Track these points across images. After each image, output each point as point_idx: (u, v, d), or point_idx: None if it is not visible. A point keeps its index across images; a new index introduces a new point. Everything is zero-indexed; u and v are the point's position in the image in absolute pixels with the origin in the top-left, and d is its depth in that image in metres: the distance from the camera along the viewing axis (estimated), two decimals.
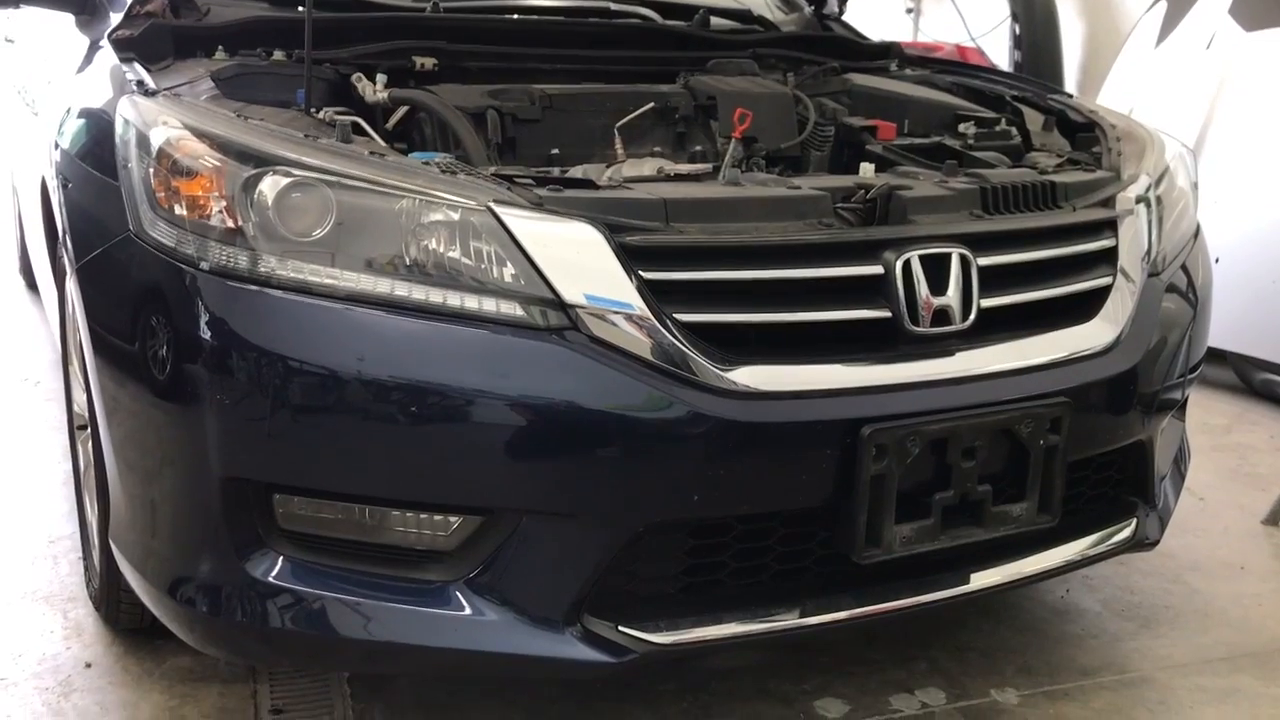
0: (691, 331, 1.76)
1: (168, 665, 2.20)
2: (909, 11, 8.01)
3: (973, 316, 1.94)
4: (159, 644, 2.22)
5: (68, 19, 2.73)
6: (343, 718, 2.07)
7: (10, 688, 2.14)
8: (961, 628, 2.42)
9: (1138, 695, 2.23)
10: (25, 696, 2.11)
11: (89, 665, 2.21)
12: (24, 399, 3.71)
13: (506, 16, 2.77)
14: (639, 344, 1.73)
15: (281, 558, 1.76)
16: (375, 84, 2.29)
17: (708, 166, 2.20)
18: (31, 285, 4.67)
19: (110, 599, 2.22)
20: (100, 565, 2.23)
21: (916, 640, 2.36)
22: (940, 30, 7.34)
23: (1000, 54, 6.69)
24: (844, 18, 3.33)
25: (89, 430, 2.17)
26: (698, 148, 2.43)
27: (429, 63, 2.44)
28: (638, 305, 1.73)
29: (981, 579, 2.02)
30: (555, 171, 2.11)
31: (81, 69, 2.43)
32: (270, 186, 1.71)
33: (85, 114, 2.21)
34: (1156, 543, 2.27)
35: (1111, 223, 2.17)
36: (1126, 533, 2.20)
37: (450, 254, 1.72)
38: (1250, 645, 2.44)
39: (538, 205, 1.76)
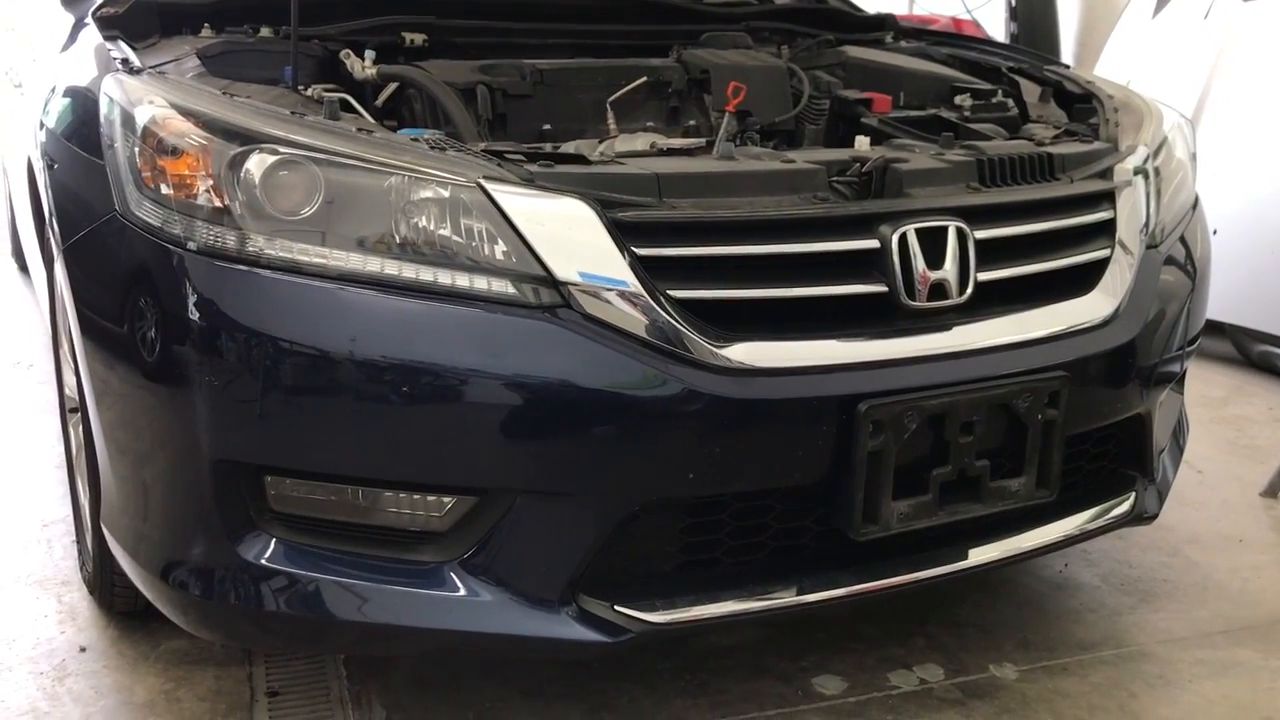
0: (685, 308, 1.74)
1: (163, 648, 2.19)
2: None
3: (969, 290, 1.92)
4: (154, 627, 2.21)
5: None
6: (339, 699, 2.06)
7: (5, 672, 2.13)
8: (959, 603, 2.42)
9: (1136, 669, 2.23)
10: (20, 681, 2.10)
11: (84, 649, 2.20)
12: (16, 382, 3.70)
13: None
14: (633, 321, 1.71)
15: (274, 540, 1.74)
16: (364, 60, 2.27)
17: (701, 141, 2.18)
18: (24, 268, 4.65)
19: (104, 583, 2.21)
20: (93, 549, 2.21)
21: (914, 616, 2.35)
22: (935, 2, 7.29)
23: (996, 26, 6.65)
24: None
25: (80, 413, 2.15)
26: (691, 122, 2.41)
27: (418, 38, 2.41)
28: (631, 282, 1.71)
29: (979, 555, 2.01)
30: (547, 147, 2.08)
31: (66, 47, 2.40)
32: (257, 165, 1.68)
33: (70, 93, 2.18)
34: (1155, 516, 2.26)
35: (1109, 194, 2.15)
36: (1125, 507, 2.19)
37: (441, 232, 1.70)
38: (1249, 618, 2.43)
39: (529, 181, 1.74)
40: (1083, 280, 2.08)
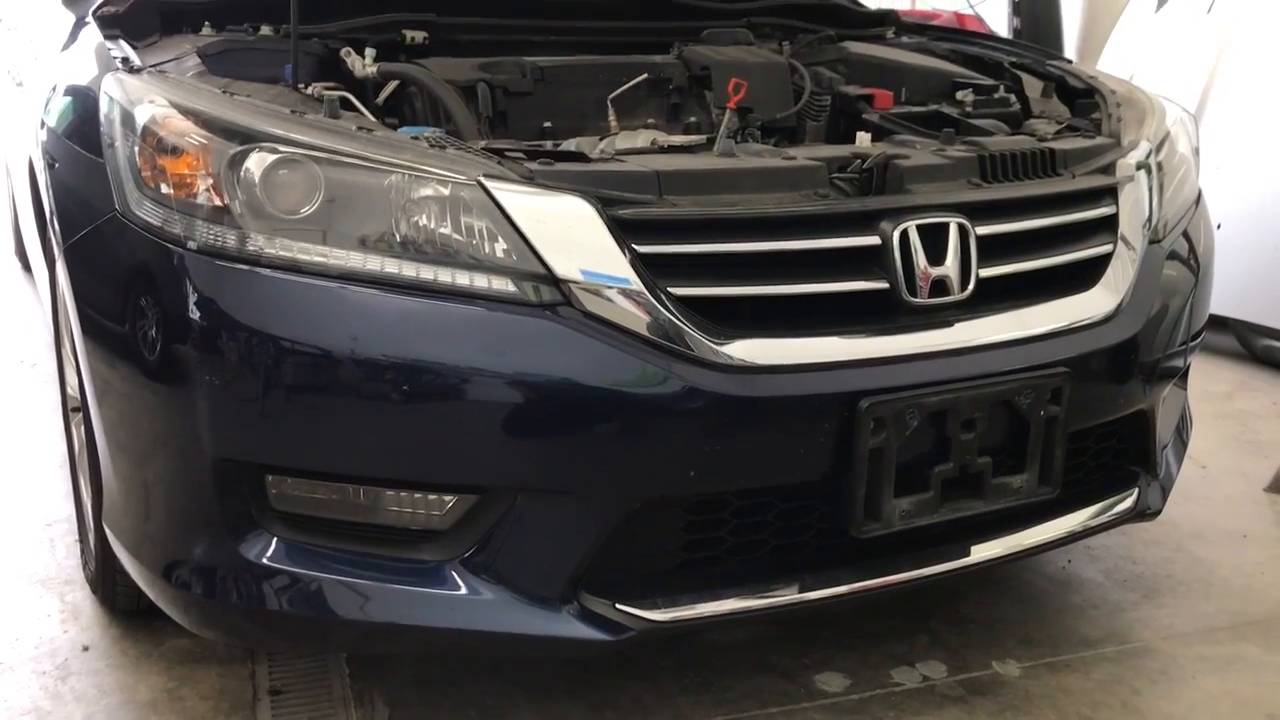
0: (686, 305, 1.74)
1: (166, 647, 2.19)
2: None
3: (971, 287, 1.92)
4: (156, 626, 2.21)
5: None
6: (341, 697, 2.06)
7: (8, 672, 2.13)
8: (962, 600, 2.41)
9: (1140, 665, 2.23)
10: (23, 680, 2.11)
11: (86, 648, 2.20)
12: (20, 381, 3.70)
13: None
14: (633, 319, 1.70)
15: (275, 539, 1.74)
16: (364, 58, 2.27)
17: (702, 138, 2.17)
18: (27, 267, 4.65)
19: (107, 582, 2.21)
20: (96, 548, 2.21)
21: (917, 613, 2.35)
22: None
23: (999, 21, 6.63)
24: None
25: (81, 412, 2.15)
26: (692, 119, 2.41)
27: (419, 36, 2.41)
28: (631, 279, 1.71)
29: (982, 551, 2.01)
30: (547, 145, 2.08)
31: (66, 46, 2.40)
32: (257, 163, 1.68)
33: (70, 92, 2.18)
34: (1159, 512, 2.26)
35: (1112, 190, 2.15)
36: (1128, 503, 2.19)
37: (441, 230, 1.70)
38: (1253, 614, 2.42)
39: (529, 179, 1.74)
40: (1085, 276, 2.07)
